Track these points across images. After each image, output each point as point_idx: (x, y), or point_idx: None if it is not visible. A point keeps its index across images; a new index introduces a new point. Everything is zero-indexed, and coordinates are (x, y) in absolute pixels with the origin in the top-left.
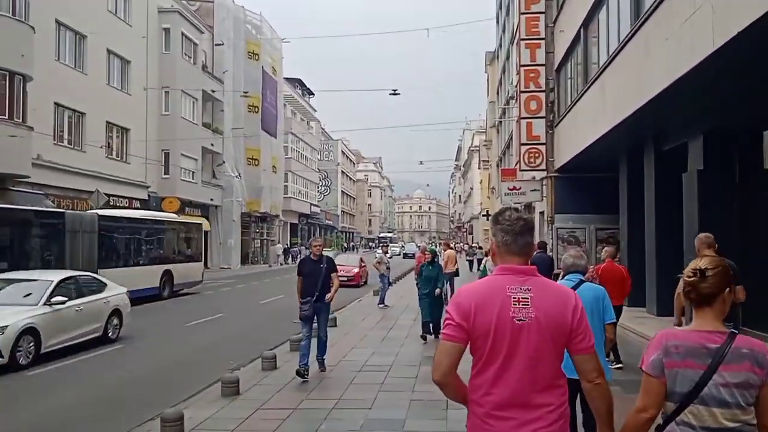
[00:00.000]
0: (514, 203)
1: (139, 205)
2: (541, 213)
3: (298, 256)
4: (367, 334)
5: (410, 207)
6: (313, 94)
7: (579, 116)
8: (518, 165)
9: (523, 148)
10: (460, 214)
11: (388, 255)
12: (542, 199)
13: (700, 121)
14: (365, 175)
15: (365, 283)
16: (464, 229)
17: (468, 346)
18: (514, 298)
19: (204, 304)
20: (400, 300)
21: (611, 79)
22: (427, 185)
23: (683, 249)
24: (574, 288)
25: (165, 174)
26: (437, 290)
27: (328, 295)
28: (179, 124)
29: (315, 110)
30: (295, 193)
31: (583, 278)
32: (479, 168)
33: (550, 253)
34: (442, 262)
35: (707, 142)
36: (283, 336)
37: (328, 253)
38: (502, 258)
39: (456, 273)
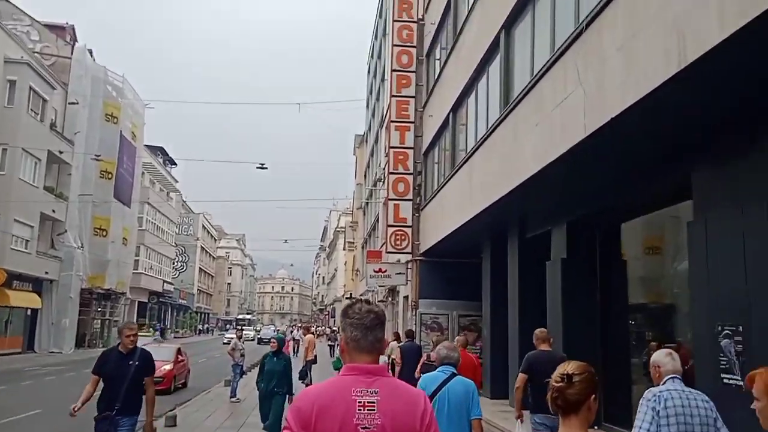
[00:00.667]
0: (380, 285)
1: None
2: (406, 297)
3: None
4: None
5: (272, 287)
6: (175, 164)
7: (445, 201)
8: (384, 247)
9: (390, 230)
10: (323, 296)
11: (242, 340)
12: (407, 283)
13: (564, 210)
14: (227, 252)
15: (183, 385)
16: (327, 312)
17: None
18: (359, 402)
19: (18, 398)
20: (254, 392)
21: (479, 165)
22: (291, 265)
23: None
24: (447, 380)
25: None
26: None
27: (146, 421)
28: (15, 185)
29: (177, 181)
30: (147, 269)
31: (455, 371)
32: (344, 249)
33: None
34: (302, 348)
35: (570, 230)
36: None
37: (145, 339)
38: (350, 355)
39: (314, 360)
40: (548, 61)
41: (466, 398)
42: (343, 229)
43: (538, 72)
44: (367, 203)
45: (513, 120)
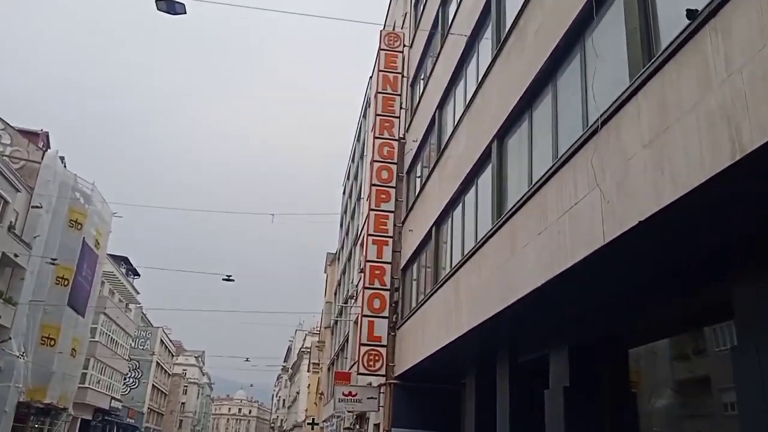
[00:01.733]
0: (348, 411)
1: None
2: (376, 425)
3: None
4: None
5: (229, 409)
6: (138, 274)
7: (426, 319)
8: (356, 367)
9: (363, 349)
10: (282, 420)
11: None
12: (379, 409)
13: (566, 331)
14: (184, 370)
15: None
16: None
17: None
18: None
19: None
20: None
21: (467, 280)
22: (251, 385)
23: None
24: None
25: None
26: None
27: None
28: None
29: (138, 292)
30: (95, 383)
31: None
32: (308, 371)
33: None
34: None
35: (573, 355)
36: None
37: None
38: None
39: None
40: (553, 166)
41: None
42: (309, 350)
43: (540, 178)
44: (336, 321)
45: (509, 231)
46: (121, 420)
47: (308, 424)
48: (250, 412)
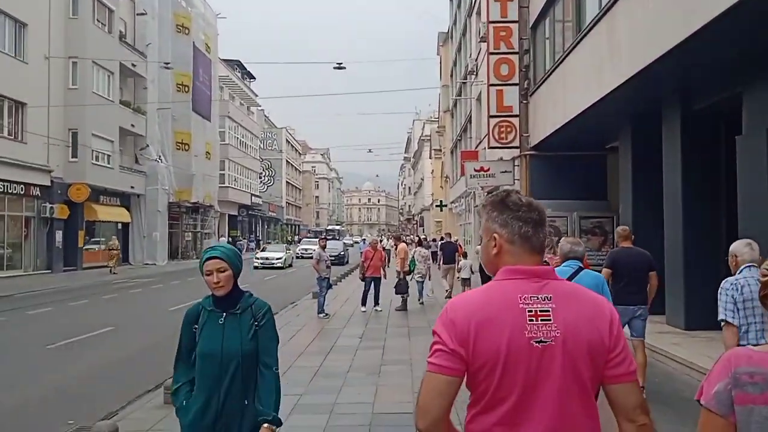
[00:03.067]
0: (482, 186)
1: (38, 193)
2: None
3: (244, 249)
4: (295, 362)
5: (359, 199)
6: (253, 77)
7: (566, 79)
8: (487, 141)
9: (493, 121)
10: (410, 206)
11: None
12: (514, 183)
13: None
14: (312, 167)
15: None
16: (414, 221)
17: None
18: (530, 311)
19: (93, 313)
20: (344, 306)
21: (626, 15)
22: (377, 176)
23: (730, 238)
24: (574, 275)
25: (73, 157)
26: None
27: None
28: (90, 100)
29: (256, 95)
30: (233, 182)
31: (581, 264)
32: (430, 158)
33: None
34: (396, 258)
35: None
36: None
37: None
38: (514, 257)
39: (409, 272)
40: None
41: (597, 291)
42: (428, 138)
43: None
44: (455, 102)
45: None
46: (264, 214)
47: (436, 206)
48: (379, 201)
